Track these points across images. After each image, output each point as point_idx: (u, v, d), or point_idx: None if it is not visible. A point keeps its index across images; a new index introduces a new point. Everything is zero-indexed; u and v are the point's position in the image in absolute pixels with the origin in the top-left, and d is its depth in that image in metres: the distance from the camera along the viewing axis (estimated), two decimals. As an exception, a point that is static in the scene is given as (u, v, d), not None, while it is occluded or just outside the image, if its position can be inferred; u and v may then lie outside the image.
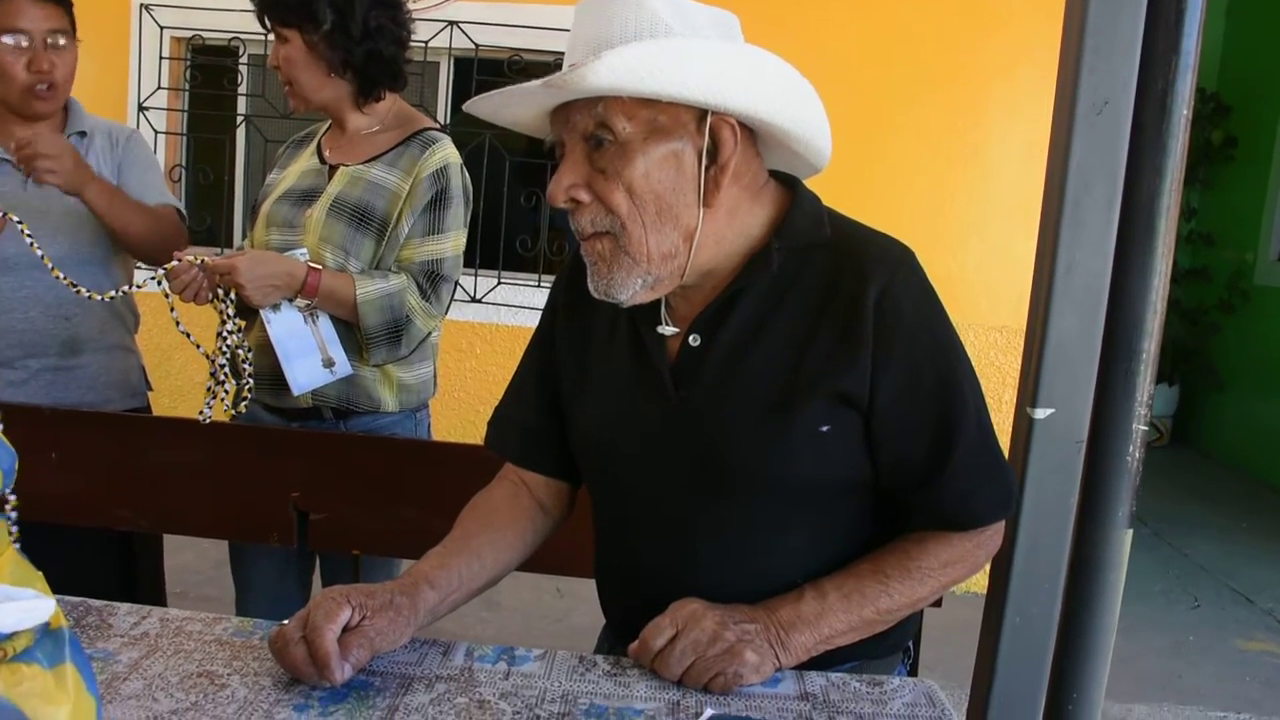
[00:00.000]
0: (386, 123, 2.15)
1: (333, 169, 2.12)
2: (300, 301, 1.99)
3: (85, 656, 0.79)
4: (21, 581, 0.79)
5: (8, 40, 2.09)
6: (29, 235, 1.90)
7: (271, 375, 2.04)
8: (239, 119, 4.72)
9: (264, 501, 2.00)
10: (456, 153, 2.11)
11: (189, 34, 4.61)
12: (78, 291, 1.90)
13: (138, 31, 4.60)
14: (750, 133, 1.16)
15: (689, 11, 1.10)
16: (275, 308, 1.99)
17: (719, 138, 1.11)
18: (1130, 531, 0.85)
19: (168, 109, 4.65)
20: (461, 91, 4.62)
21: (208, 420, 1.97)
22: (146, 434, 2.13)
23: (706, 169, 1.12)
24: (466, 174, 2.13)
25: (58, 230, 2.16)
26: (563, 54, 1.16)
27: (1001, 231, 4.27)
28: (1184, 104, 0.79)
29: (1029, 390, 0.82)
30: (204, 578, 3.71)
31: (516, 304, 4.55)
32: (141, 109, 4.61)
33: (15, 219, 1.92)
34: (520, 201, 4.58)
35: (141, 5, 4.56)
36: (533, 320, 1.46)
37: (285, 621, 1.11)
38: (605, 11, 1.09)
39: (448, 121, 4.54)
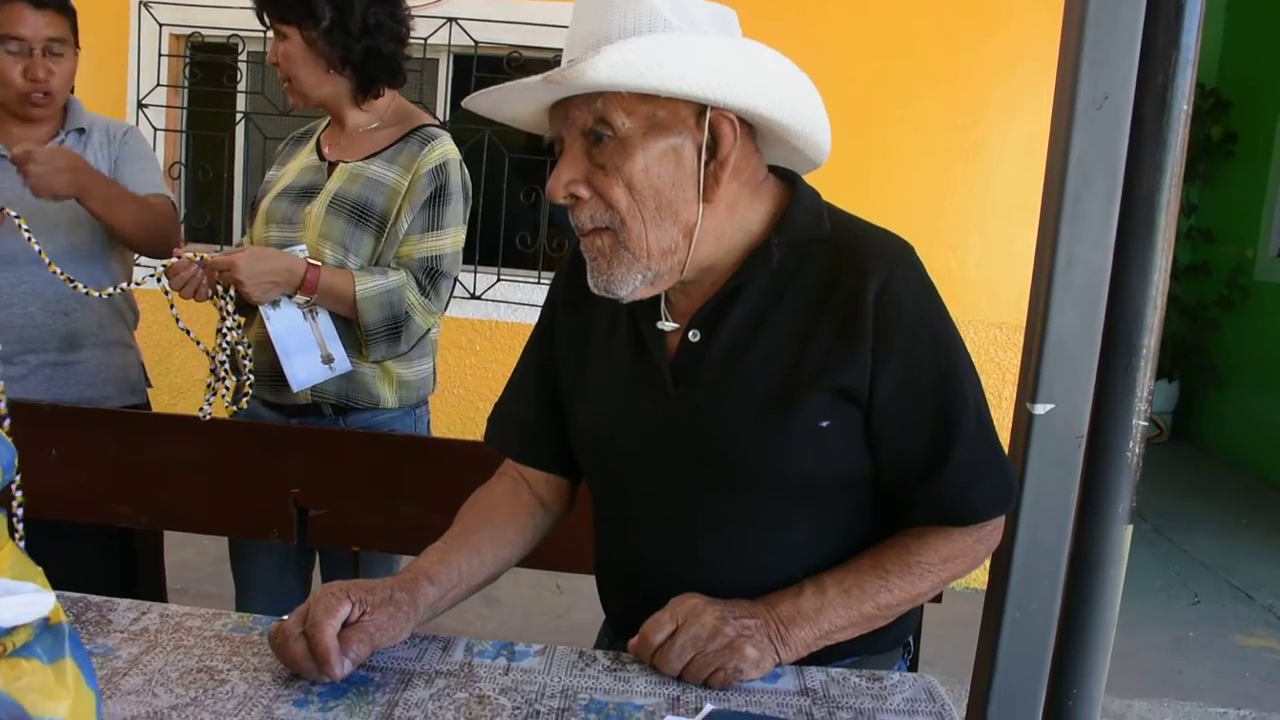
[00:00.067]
0: (385, 119, 2.15)
1: (332, 166, 2.12)
2: (300, 298, 1.99)
3: (85, 652, 0.79)
4: (21, 576, 0.79)
5: (11, 46, 2.10)
6: (26, 230, 1.90)
7: (271, 372, 2.04)
8: (238, 116, 4.71)
9: (264, 498, 2.00)
10: (455, 149, 2.11)
11: (188, 31, 4.60)
12: (75, 288, 1.90)
13: (137, 28, 4.59)
14: (749, 128, 1.16)
15: (688, 7, 1.10)
16: (275, 304, 1.99)
17: (718, 133, 1.11)
18: (1130, 527, 0.86)
19: (167, 106, 4.65)
20: (461, 88, 4.62)
21: (208, 417, 1.97)
22: (147, 430, 2.13)
23: (706, 164, 1.12)
24: (465, 170, 2.13)
25: (56, 226, 2.16)
26: (562, 50, 1.16)
27: (1001, 228, 4.27)
28: (1184, 99, 0.79)
29: (1029, 385, 0.82)
30: (204, 574, 3.72)
31: (516, 300, 4.55)
32: (141, 106, 4.61)
33: (13, 214, 1.92)
34: (520, 198, 4.57)
35: (140, 2, 4.56)
36: (532, 317, 1.46)
37: (285, 617, 1.11)
38: (604, 7, 1.09)
39: (447, 118, 4.53)
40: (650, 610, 1.17)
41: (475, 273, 4.53)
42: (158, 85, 4.62)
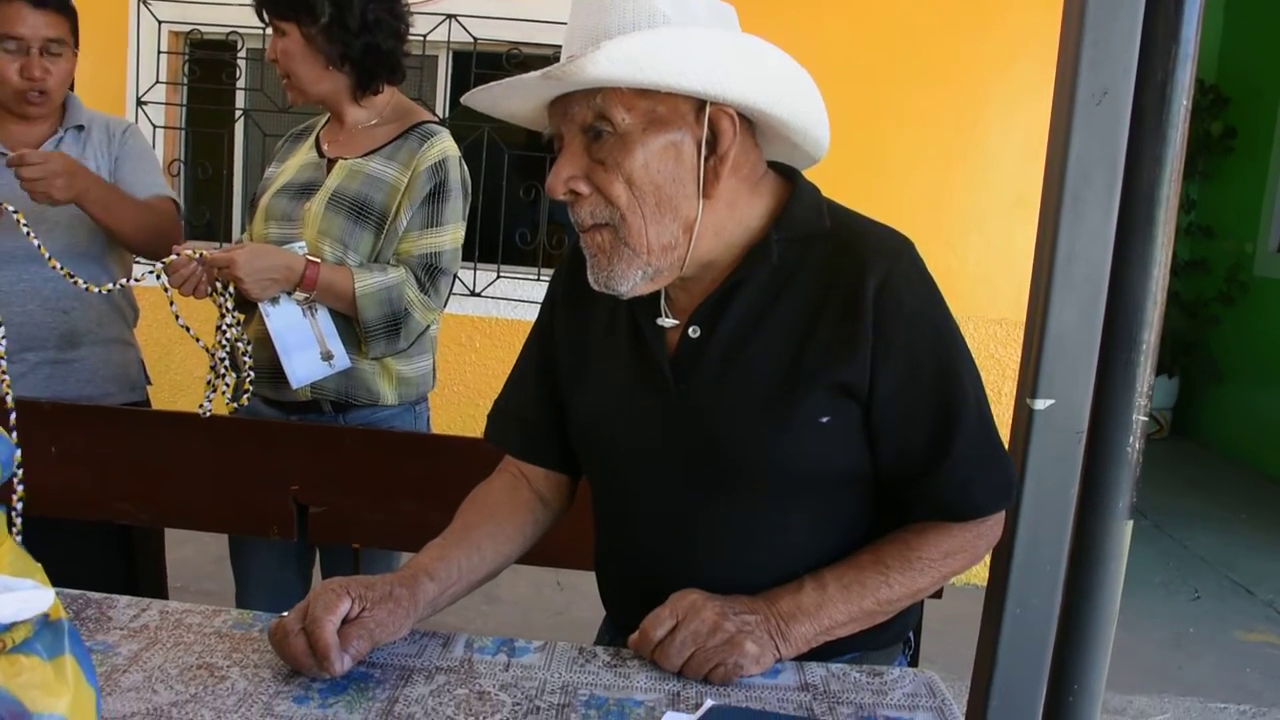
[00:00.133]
0: (385, 116, 2.15)
1: (331, 162, 2.12)
2: (299, 295, 1.99)
3: (85, 648, 0.79)
4: (21, 573, 0.79)
5: (9, 45, 2.10)
6: (26, 225, 1.90)
7: (270, 368, 2.04)
8: (237, 113, 4.71)
9: (264, 495, 2.00)
10: (455, 146, 2.11)
11: (187, 28, 4.60)
12: (75, 283, 1.90)
13: (136, 26, 4.59)
14: (749, 123, 1.16)
15: (687, 2, 1.10)
16: (274, 301, 1.99)
17: (718, 128, 1.11)
18: (1130, 523, 0.85)
19: (166, 103, 4.65)
20: (460, 85, 4.61)
21: (208, 414, 1.96)
22: (147, 427, 2.13)
23: (706, 160, 1.12)
24: (465, 167, 2.13)
25: (55, 225, 2.16)
26: (561, 47, 1.16)
27: (1001, 224, 4.27)
28: (1184, 94, 0.79)
29: (1029, 381, 0.82)
30: (204, 572, 3.72)
31: (516, 297, 4.55)
32: (140, 103, 4.61)
33: (10, 209, 1.91)
34: (519, 195, 4.57)
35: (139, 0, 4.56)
36: (532, 314, 1.46)
37: (285, 613, 1.11)
38: (604, 2, 1.09)
39: (446, 115, 4.53)
40: (650, 606, 1.17)
41: (475, 270, 4.53)
42: (157, 82, 4.62)
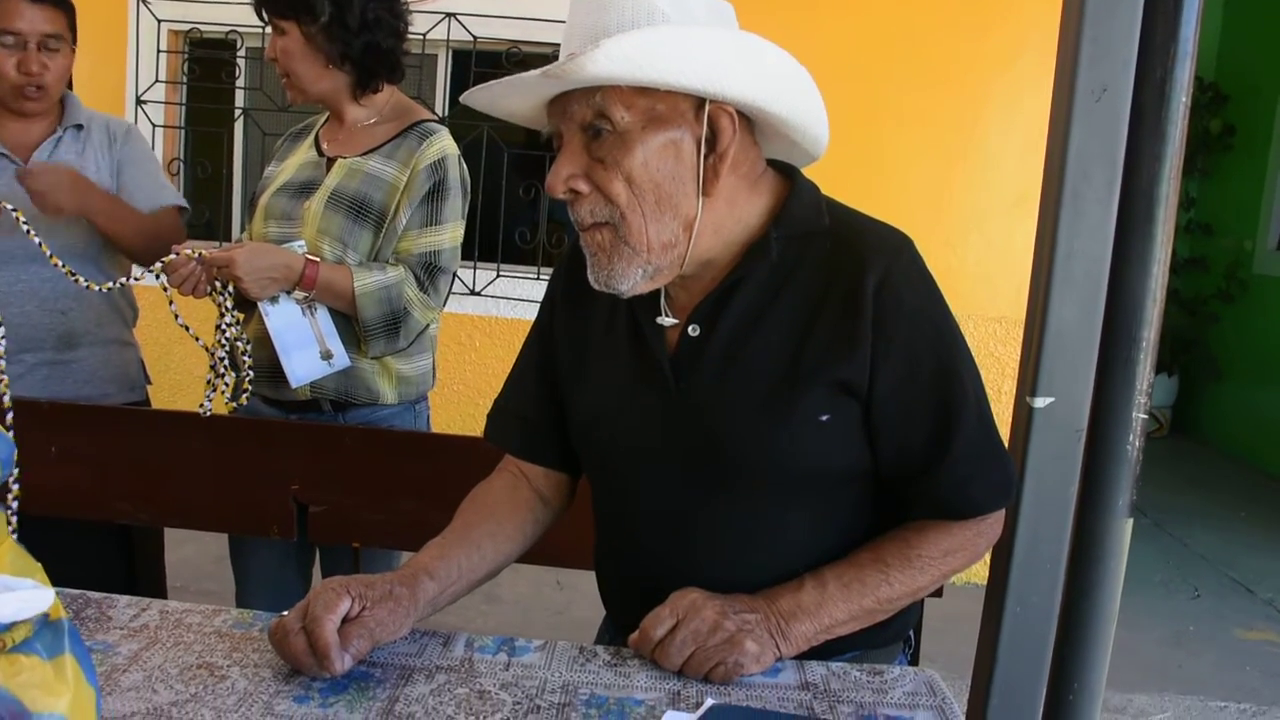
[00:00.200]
0: (384, 115, 2.15)
1: (330, 161, 2.11)
2: (298, 294, 1.99)
3: (85, 648, 0.79)
4: (21, 572, 0.79)
5: (6, 40, 2.10)
6: (25, 223, 1.90)
7: (270, 368, 2.04)
8: (237, 112, 4.71)
9: (264, 494, 2.00)
10: (454, 144, 2.11)
11: (186, 27, 4.59)
12: (76, 280, 1.90)
13: (135, 25, 4.58)
14: (747, 121, 1.16)
15: (685, 0, 1.10)
16: (273, 300, 1.99)
17: (717, 126, 1.11)
18: (1130, 520, 0.85)
19: (165, 102, 4.64)
20: (460, 84, 4.61)
21: (208, 413, 1.96)
22: (146, 427, 2.13)
23: (705, 158, 1.12)
24: (464, 165, 2.13)
25: (52, 225, 2.15)
26: (560, 45, 1.15)
27: (1000, 223, 4.27)
28: (1183, 91, 0.79)
29: (1029, 379, 0.82)
30: (204, 572, 3.72)
31: (515, 296, 4.55)
32: (139, 102, 4.61)
33: (9, 206, 1.91)
34: (519, 194, 4.57)
35: (138, -2, 4.56)
36: (532, 312, 1.46)
37: (285, 613, 1.11)
38: (602, 1, 1.09)
39: (446, 113, 4.53)
40: (650, 605, 1.17)
41: (474, 268, 4.53)
42: (156, 81, 4.61)
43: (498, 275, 4.57)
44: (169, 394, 4.32)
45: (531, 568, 1.71)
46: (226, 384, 1.99)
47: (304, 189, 2.10)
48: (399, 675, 1.10)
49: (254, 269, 1.92)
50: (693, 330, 1.21)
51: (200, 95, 4.77)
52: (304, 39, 2.01)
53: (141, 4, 4.55)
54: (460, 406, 4.56)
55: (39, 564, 0.84)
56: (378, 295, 2.00)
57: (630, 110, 1.08)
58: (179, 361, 4.53)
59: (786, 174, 1.25)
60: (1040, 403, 0.81)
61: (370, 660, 1.12)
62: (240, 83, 4.66)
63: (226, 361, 1.98)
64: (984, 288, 4.26)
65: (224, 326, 1.96)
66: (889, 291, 1.13)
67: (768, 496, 1.19)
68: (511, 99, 1.17)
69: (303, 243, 2.02)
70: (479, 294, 4.56)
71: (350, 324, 2.04)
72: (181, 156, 4.77)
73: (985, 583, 0.91)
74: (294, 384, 2.02)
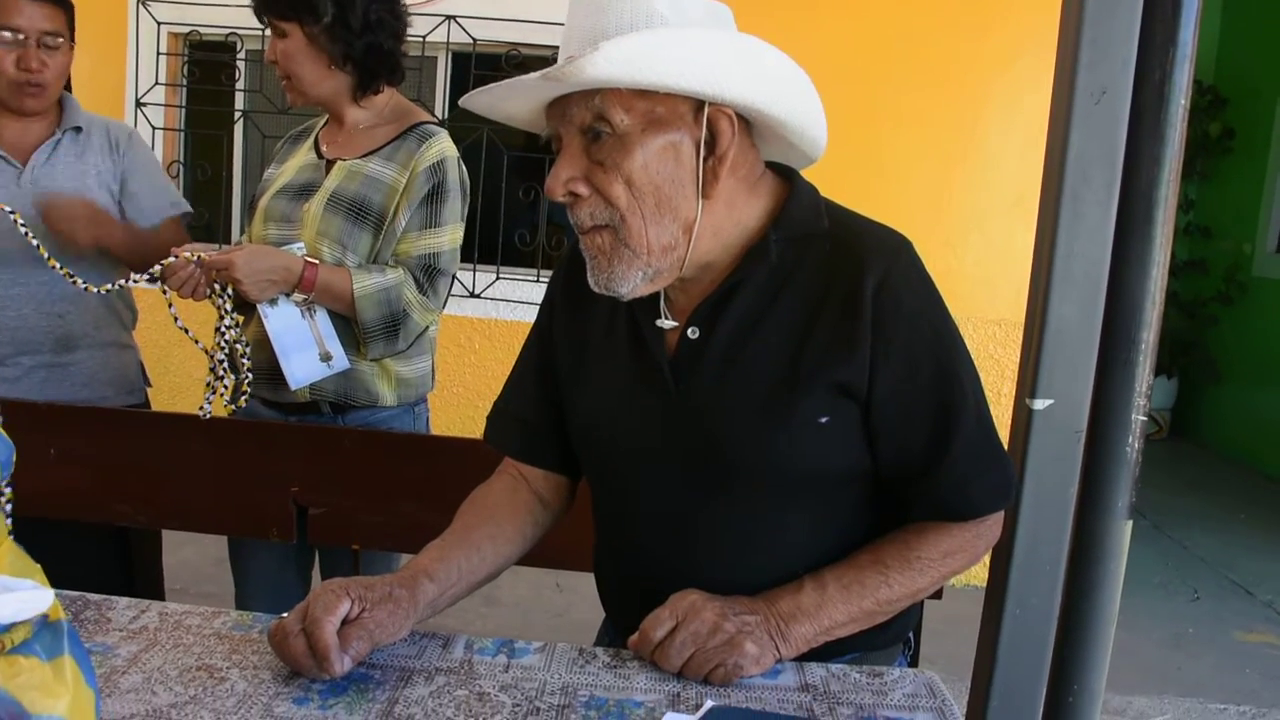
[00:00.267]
0: (384, 117, 2.15)
1: (330, 163, 2.12)
2: (297, 296, 1.99)
3: (84, 649, 0.79)
4: (20, 573, 0.79)
5: (5, 37, 2.09)
6: (23, 225, 1.90)
7: (269, 370, 2.04)
8: (236, 114, 4.71)
9: (263, 496, 2.00)
10: (453, 146, 2.11)
11: (186, 29, 4.60)
12: (74, 282, 1.90)
13: (135, 27, 4.59)
14: (746, 124, 1.16)
15: (683, 2, 1.10)
16: (272, 302, 1.99)
17: (716, 128, 1.11)
18: (1130, 522, 0.85)
19: (165, 105, 4.65)
20: (459, 86, 4.62)
21: (207, 415, 1.96)
22: (145, 429, 2.13)
23: (704, 160, 1.12)
24: (463, 168, 2.13)
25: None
26: (559, 48, 1.15)
27: (1000, 225, 4.27)
28: (1182, 93, 0.79)
29: (1028, 380, 0.82)
30: (204, 574, 3.71)
31: (515, 299, 4.55)
32: (139, 105, 4.61)
33: (8, 209, 1.91)
34: (519, 196, 4.57)
35: (138, 1, 4.55)
36: (531, 315, 1.46)
37: (284, 615, 1.11)
38: (601, 3, 1.09)
39: (445, 116, 4.53)
40: (650, 607, 1.17)
41: (474, 271, 4.53)
42: (156, 84, 4.62)
43: (497, 278, 4.57)
44: (169, 396, 4.33)
45: (531, 570, 1.70)
46: (226, 386, 1.99)
47: (303, 191, 2.10)
48: (398, 677, 1.10)
49: (253, 271, 1.92)
50: (692, 333, 1.21)
51: (200, 98, 4.77)
52: (306, 40, 2.01)
53: (141, 6, 4.56)
54: (460, 409, 4.56)
55: (38, 565, 0.84)
56: (377, 297, 2.00)
57: (629, 113, 1.09)
58: (178, 364, 4.53)
59: (785, 176, 1.25)
60: (1039, 405, 0.81)
61: (370, 662, 1.12)
62: (240, 85, 4.66)
63: (226, 364, 1.98)
64: (983, 290, 4.27)
65: (223, 329, 1.96)
66: (888, 293, 1.13)
67: (767, 498, 1.20)
68: (511, 102, 1.17)
69: (301, 245, 2.02)
70: (478, 296, 4.56)
71: (349, 326, 2.04)
72: (181, 159, 4.77)
73: (985, 584, 0.90)
74: (293, 386, 2.02)
